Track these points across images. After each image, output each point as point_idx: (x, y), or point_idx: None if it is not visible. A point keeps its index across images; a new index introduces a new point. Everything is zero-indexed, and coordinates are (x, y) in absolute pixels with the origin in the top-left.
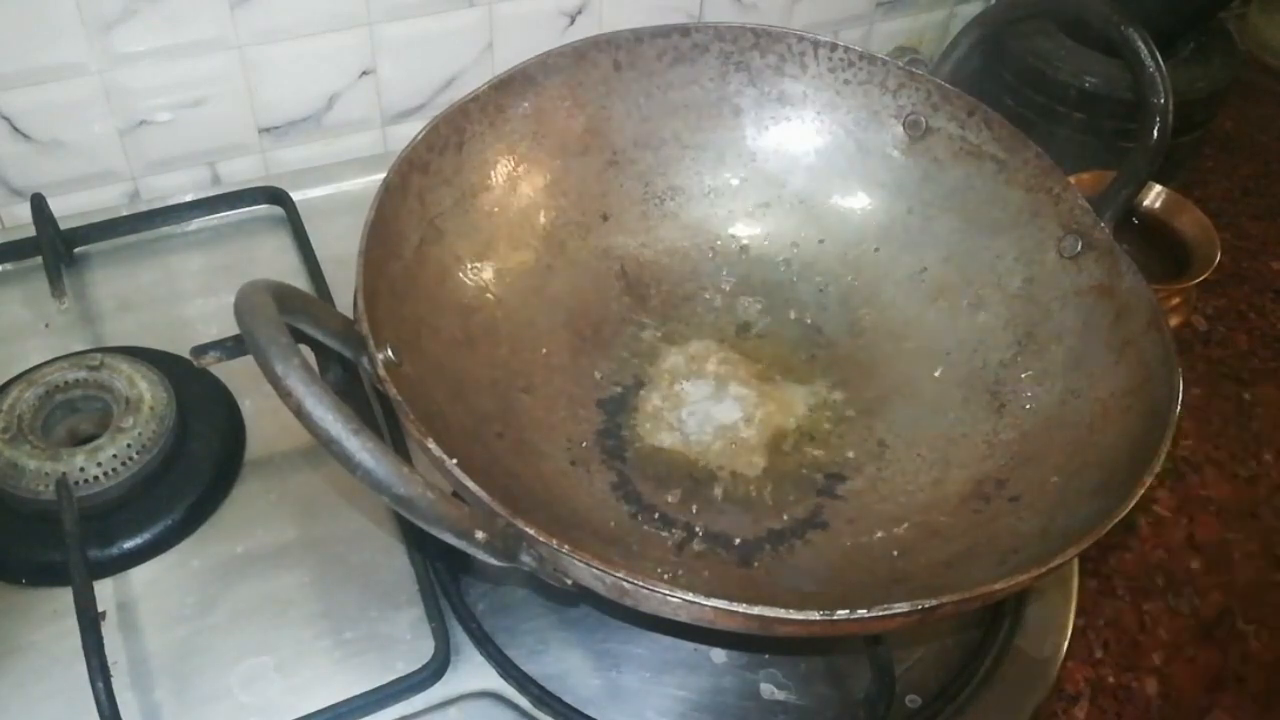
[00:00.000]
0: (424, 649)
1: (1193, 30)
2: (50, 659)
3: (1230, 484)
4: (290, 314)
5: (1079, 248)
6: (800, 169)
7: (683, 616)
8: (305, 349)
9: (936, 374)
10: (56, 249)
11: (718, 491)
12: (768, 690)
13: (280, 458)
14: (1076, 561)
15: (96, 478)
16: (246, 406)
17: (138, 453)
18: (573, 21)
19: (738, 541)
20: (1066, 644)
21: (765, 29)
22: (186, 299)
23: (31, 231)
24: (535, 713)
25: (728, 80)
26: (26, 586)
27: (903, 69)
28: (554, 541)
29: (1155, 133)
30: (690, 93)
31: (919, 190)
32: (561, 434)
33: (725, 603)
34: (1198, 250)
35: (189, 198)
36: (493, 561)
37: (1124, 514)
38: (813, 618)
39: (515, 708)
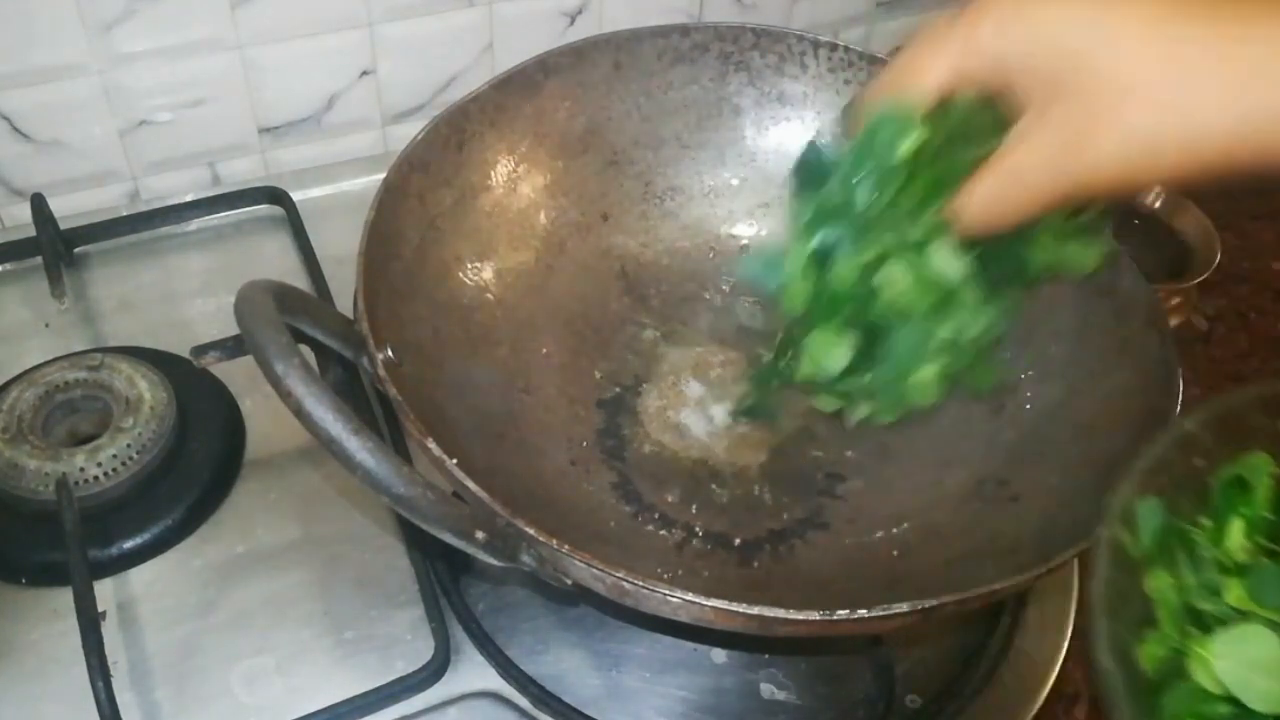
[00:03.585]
0: (424, 649)
1: None
2: (50, 659)
3: None
4: (290, 314)
5: None
6: None
7: (683, 616)
8: (305, 349)
9: None
10: (56, 249)
11: (718, 491)
12: (768, 690)
13: (280, 458)
14: (1076, 561)
15: (96, 478)
16: (246, 406)
17: (138, 453)
18: (573, 21)
19: (738, 541)
20: (1066, 644)
21: (765, 29)
22: (186, 299)
23: (31, 231)
24: (535, 713)
25: (728, 80)
26: (26, 586)
27: None
28: (554, 541)
29: None
30: (690, 93)
31: None
32: (561, 434)
33: (725, 603)
34: (1198, 250)
35: (189, 198)
36: (493, 561)
37: None
38: (813, 618)
39: (515, 708)
